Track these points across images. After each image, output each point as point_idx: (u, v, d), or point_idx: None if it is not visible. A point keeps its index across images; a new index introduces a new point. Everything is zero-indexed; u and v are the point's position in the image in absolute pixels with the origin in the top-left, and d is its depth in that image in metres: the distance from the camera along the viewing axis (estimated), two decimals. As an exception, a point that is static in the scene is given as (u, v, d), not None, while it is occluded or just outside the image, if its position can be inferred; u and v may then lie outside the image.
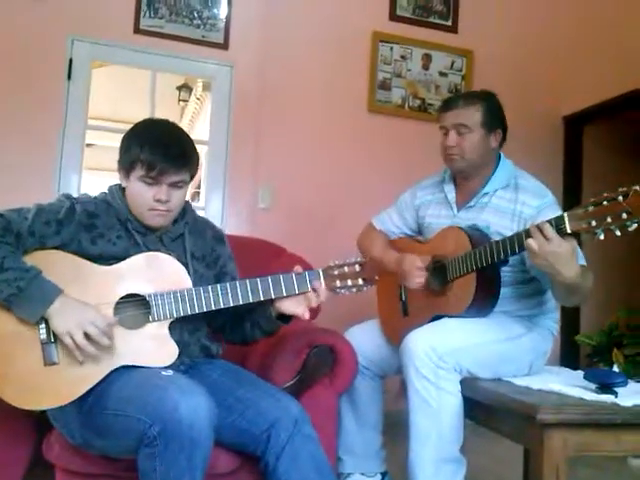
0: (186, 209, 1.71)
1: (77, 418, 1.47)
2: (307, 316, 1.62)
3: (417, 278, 1.96)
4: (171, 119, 1.71)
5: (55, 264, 1.51)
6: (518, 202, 1.91)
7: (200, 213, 3.50)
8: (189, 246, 1.68)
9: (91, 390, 1.47)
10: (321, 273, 1.60)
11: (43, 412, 1.53)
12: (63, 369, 1.46)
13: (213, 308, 1.56)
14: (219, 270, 1.76)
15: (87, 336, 1.44)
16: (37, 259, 1.50)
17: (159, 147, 1.53)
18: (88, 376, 1.47)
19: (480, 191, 1.98)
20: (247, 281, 1.59)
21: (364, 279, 1.61)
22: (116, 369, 1.49)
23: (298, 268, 1.62)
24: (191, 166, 1.61)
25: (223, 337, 1.81)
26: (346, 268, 1.61)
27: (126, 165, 1.57)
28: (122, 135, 1.63)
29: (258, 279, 1.58)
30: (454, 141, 1.96)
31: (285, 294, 1.59)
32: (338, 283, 1.61)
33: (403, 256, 2.03)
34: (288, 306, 1.62)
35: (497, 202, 1.95)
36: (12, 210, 1.53)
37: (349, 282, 1.61)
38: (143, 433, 1.34)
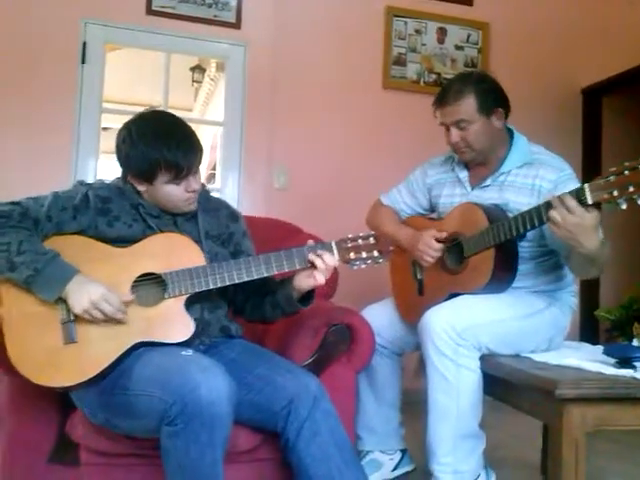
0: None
1: (99, 398, 1.50)
2: (323, 280, 1.60)
3: (427, 257, 1.95)
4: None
5: (72, 247, 1.55)
6: (537, 177, 1.88)
7: (216, 194, 3.53)
8: (202, 225, 1.70)
9: (112, 370, 1.50)
10: (334, 244, 1.61)
11: (66, 393, 1.57)
12: (83, 347, 1.50)
13: (227, 283, 1.58)
14: (234, 248, 1.78)
15: (103, 313, 1.48)
16: (55, 243, 1.54)
17: (178, 148, 1.54)
18: (107, 352, 1.50)
19: (495, 172, 1.96)
20: (260, 256, 1.60)
21: (379, 251, 1.61)
22: (137, 350, 1.51)
23: (310, 242, 1.63)
24: (201, 151, 1.62)
25: (243, 317, 1.83)
26: (360, 241, 1.61)
27: (145, 171, 1.56)
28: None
29: (271, 254, 1.60)
30: (458, 136, 1.93)
31: (298, 267, 1.60)
32: (352, 255, 1.60)
33: (419, 233, 2.01)
34: (305, 281, 1.63)
35: (513, 179, 1.92)
36: (29, 198, 1.57)
37: (363, 254, 1.61)
38: (164, 412, 1.36)
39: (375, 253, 1.61)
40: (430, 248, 1.95)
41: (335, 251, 1.60)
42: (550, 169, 1.88)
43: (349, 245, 1.61)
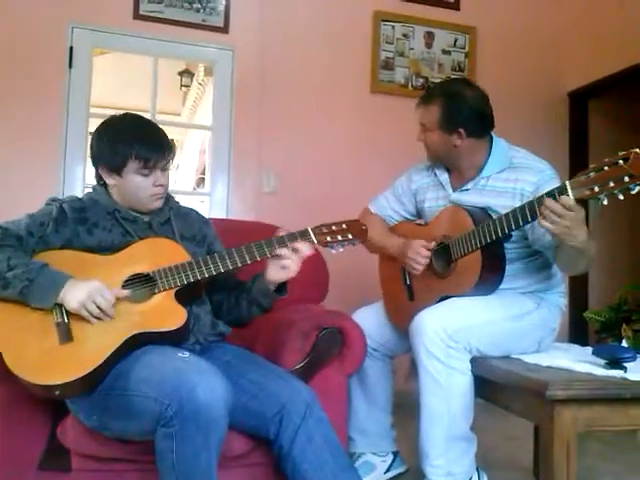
0: (169, 197, 1.79)
1: (95, 400, 1.50)
2: (296, 271, 1.66)
3: (417, 265, 1.97)
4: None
5: (60, 260, 1.58)
6: (518, 181, 1.90)
7: (205, 199, 3.52)
8: (177, 228, 1.76)
9: (109, 370, 1.50)
10: (310, 230, 1.66)
11: (60, 398, 1.55)
12: (79, 344, 1.51)
13: (214, 273, 1.63)
14: (207, 248, 1.84)
15: (98, 306, 1.50)
16: (42, 258, 1.57)
17: (148, 140, 1.63)
18: (105, 346, 1.50)
19: (476, 177, 1.97)
20: (242, 246, 1.65)
21: (353, 234, 1.68)
22: (133, 344, 1.52)
23: (280, 231, 1.68)
24: (170, 148, 1.70)
25: (221, 318, 1.84)
26: (334, 227, 1.68)
27: (116, 164, 1.63)
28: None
29: (252, 243, 1.65)
30: (420, 137, 2.03)
31: (279, 253, 1.65)
32: (329, 238, 1.67)
33: (408, 242, 2.03)
34: (277, 274, 1.69)
35: (494, 184, 1.94)
36: (6, 222, 1.60)
37: (339, 237, 1.67)
38: (160, 413, 1.36)
39: (350, 236, 1.68)
40: (419, 256, 1.97)
41: (312, 236, 1.65)
42: (530, 172, 1.90)
43: (324, 230, 1.67)
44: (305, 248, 1.65)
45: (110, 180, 1.67)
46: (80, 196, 1.75)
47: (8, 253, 1.51)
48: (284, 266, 1.66)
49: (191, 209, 1.92)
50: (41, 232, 1.59)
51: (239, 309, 1.82)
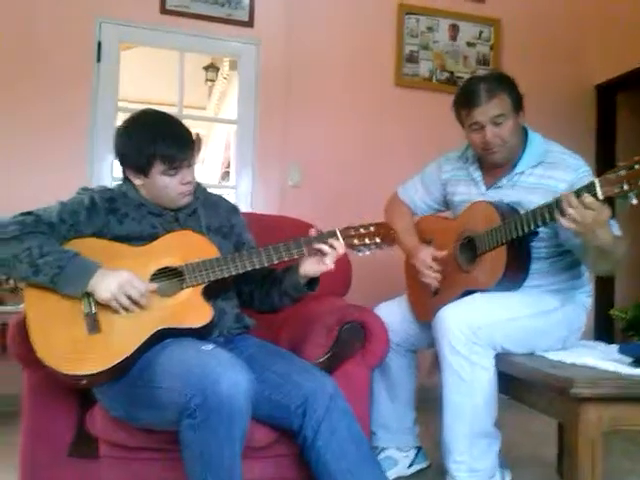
0: (196, 187, 1.77)
1: (121, 390, 1.53)
2: (332, 265, 1.66)
3: (426, 278, 1.99)
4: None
5: (90, 248, 1.60)
6: (552, 178, 1.87)
7: (231, 192, 3.54)
8: (204, 220, 1.75)
9: (135, 362, 1.53)
10: (338, 232, 1.66)
11: (87, 387, 1.59)
12: (107, 336, 1.53)
13: (241, 271, 1.63)
14: (236, 239, 1.83)
15: (129, 298, 1.52)
16: (73, 246, 1.59)
17: (171, 140, 1.62)
18: (131, 340, 1.53)
19: (510, 172, 1.94)
20: (270, 246, 1.65)
21: (381, 238, 1.68)
22: (158, 338, 1.55)
23: (313, 230, 1.67)
24: (194, 145, 1.69)
25: (253, 308, 1.86)
26: (362, 230, 1.68)
27: (142, 165, 1.63)
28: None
29: (280, 243, 1.65)
30: (493, 133, 1.88)
31: (306, 254, 1.65)
32: (356, 241, 1.67)
33: (417, 249, 2.05)
34: (313, 267, 1.68)
35: (527, 179, 1.91)
36: (38, 209, 1.62)
37: (367, 240, 1.67)
38: (185, 405, 1.38)
39: (377, 239, 1.68)
40: (425, 267, 1.99)
41: (340, 238, 1.65)
42: (566, 169, 1.87)
43: (352, 233, 1.67)
44: (340, 247, 1.65)
45: (137, 181, 1.68)
46: (110, 187, 1.76)
47: (40, 240, 1.53)
48: (321, 261, 1.65)
49: (220, 197, 1.91)
50: (73, 220, 1.61)
51: (270, 299, 1.81)
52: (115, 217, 1.65)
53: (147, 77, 5.53)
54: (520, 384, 1.76)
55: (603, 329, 3.62)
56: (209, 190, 1.89)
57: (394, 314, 2.12)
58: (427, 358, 2.19)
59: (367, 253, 1.68)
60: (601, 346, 2.05)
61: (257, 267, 1.64)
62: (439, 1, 3.62)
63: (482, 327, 1.77)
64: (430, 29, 3.62)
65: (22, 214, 1.59)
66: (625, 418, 1.55)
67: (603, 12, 3.80)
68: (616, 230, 1.74)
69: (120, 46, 3.28)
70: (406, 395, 2.17)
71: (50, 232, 1.57)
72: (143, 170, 1.64)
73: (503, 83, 1.91)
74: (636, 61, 3.56)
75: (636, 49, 3.59)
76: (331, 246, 1.64)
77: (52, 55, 3.10)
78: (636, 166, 1.45)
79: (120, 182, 1.75)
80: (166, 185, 1.65)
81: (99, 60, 3.17)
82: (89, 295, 1.54)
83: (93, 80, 3.16)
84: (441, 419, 1.84)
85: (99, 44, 3.17)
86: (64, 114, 3.10)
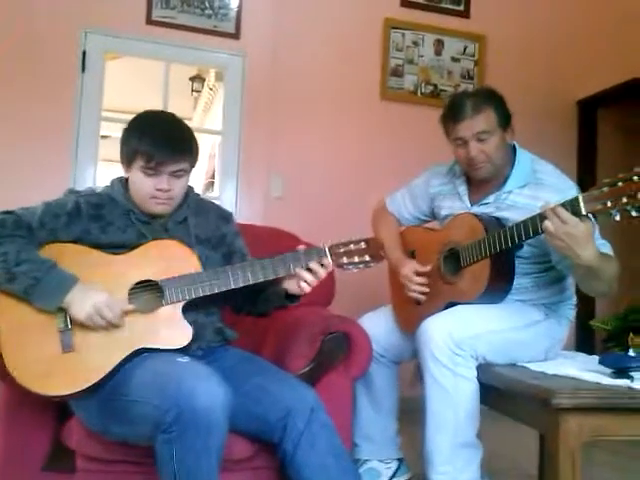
0: (188, 193, 1.73)
1: (96, 404, 1.50)
2: (308, 289, 1.63)
3: (411, 293, 2.01)
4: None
5: (68, 255, 1.56)
6: (539, 199, 1.81)
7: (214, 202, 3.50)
8: (193, 229, 1.70)
9: (110, 377, 1.49)
10: (327, 250, 1.62)
11: (63, 399, 1.55)
12: (82, 355, 1.49)
13: (223, 289, 1.59)
14: (227, 249, 1.79)
15: (104, 319, 1.48)
16: (51, 251, 1.55)
17: (157, 138, 1.57)
18: (108, 359, 1.49)
19: (497, 190, 1.94)
20: (255, 262, 1.62)
21: (370, 255, 1.64)
22: (135, 356, 1.51)
23: (301, 247, 1.64)
24: (190, 155, 1.64)
25: (242, 312, 1.85)
26: (352, 246, 1.64)
27: (127, 156, 1.61)
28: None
29: (265, 259, 1.61)
30: (477, 150, 1.88)
31: (293, 272, 1.61)
32: (345, 260, 1.63)
33: (403, 262, 2.06)
34: (292, 286, 1.66)
35: (515, 199, 1.90)
36: (21, 208, 1.59)
37: (356, 259, 1.63)
38: (160, 419, 1.36)
39: (367, 257, 1.64)
40: (409, 282, 2.00)
41: (328, 256, 1.62)
42: (553, 191, 1.83)
43: (341, 250, 1.63)
44: (322, 271, 1.61)
45: (125, 173, 1.65)
46: (98, 190, 1.71)
47: (18, 246, 1.49)
48: (299, 285, 1.63)
49: (212, 204, 1.86)
50: (53, 224, 1.56)
51: (256, 308, 1.80)
52: (98, 225, 1.61)
53: (133, 87, 5.53)
54: (501, 395, 1.76)
55: (584, 340, 3.64)
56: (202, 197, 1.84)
57: (378, 325, 2.11)
58: (409, 369, 2.19)
59: (354, 271, 1.65)
60: (582, 357, 2.06)
61: (241, 285, 1.59)
62: (424, 16, 3.67)
63: (465, 338, 1.77)
64: (415, 44, 3.67)
65: (3, 212, 1.55)
66: (605, 428, 1.55)
67: (585, 30, 3.87)
68: (607, 249, 1.74)
69: (106, 56, 3.28)
70: (389, 406, 2.16)
71: (28, 236, 1.53)
72: (128, 162, 1.60)
73: (490, 99, 1.92)
74: (617, 77, 3.62)
75: (617, 65, 3.66)
76: (321, 265, 1.60)
77: (37, 64, 3.09)
78: (619, 183, 1.46)
79: (109, 185, 1.70)
80: (141, 182, 1.60)
81: (84, 70, 3.17)
82: (64, 309, 1.49)
83: (77, 89, 3.15)
84: (423, 430, 1.83)
85: (84, 54, 3.16)
86: (48, 123, 3.09)
